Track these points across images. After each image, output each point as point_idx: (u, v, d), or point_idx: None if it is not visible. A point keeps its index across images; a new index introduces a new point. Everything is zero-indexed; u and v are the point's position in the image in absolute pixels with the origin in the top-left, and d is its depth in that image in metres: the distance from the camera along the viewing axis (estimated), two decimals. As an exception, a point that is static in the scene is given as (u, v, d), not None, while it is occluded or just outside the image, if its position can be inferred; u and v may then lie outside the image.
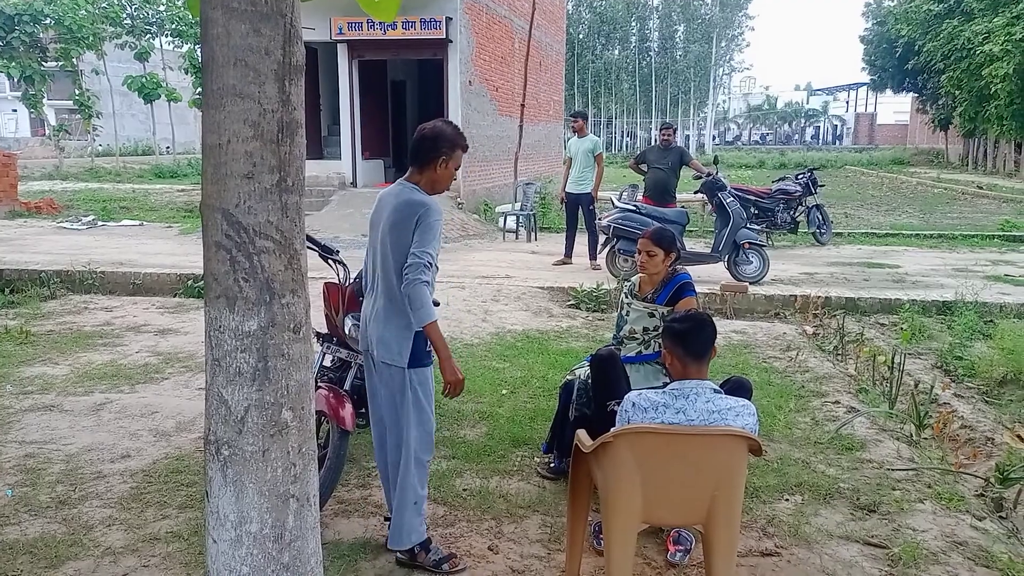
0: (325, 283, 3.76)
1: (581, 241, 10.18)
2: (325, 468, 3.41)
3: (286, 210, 2.08)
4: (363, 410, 3.94)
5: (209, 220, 2.05)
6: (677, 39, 55.18)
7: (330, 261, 3.81)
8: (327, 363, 3.91)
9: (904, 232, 13.48)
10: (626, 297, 4.00)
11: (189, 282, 8.38)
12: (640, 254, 3.85)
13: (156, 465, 4.21)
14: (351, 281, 3.74)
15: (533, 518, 3.67)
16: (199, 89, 32.43)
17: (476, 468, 4.16)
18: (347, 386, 3.72)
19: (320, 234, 12.81)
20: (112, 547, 3.35)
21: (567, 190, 10.12)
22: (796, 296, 7.88)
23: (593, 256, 9.96)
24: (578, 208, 10.08)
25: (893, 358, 5.31)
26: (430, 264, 2.95)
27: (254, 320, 2.06)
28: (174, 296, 8.39)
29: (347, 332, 3.66)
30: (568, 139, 10.37)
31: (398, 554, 3.22)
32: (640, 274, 3.96)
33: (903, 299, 7.78)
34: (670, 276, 3.85)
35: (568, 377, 4.12)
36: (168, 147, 34.44)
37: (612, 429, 2.63)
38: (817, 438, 4.66)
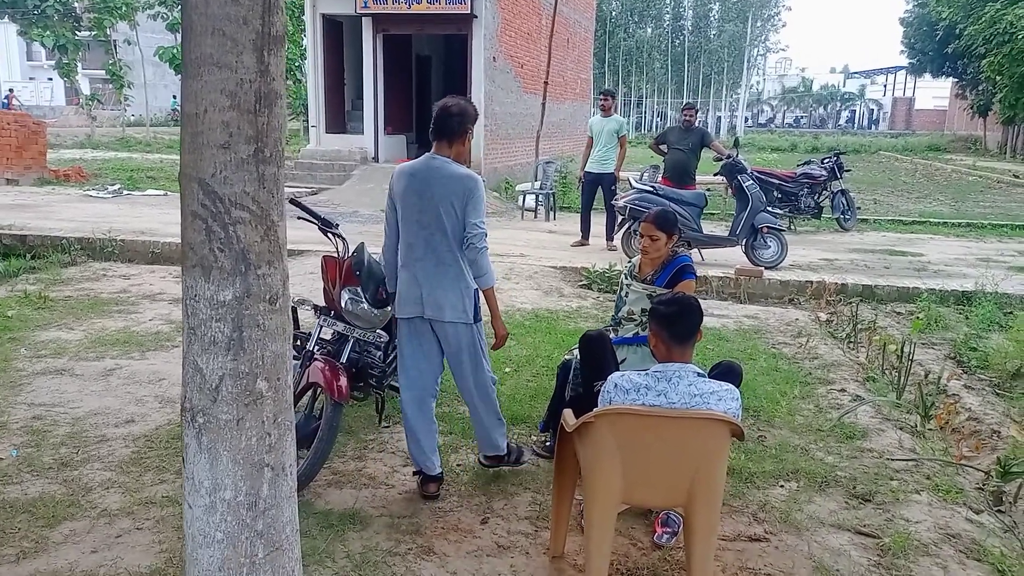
0: (323, 256, 3.78)
1: (598, 221, 10.12)
2: (317, 439, 3.45)
3: (263, 181, 2.08)
4: (360, 384, 3.98)
5: (186, 190, 2.06)
6: (711, 18, 54.22)
7: (329, 234, 3.82)
8: (325, 336, 3.94)
9: (932, 220, 13.20)
10: (626, 278, 3.98)
11: (206, 252, 8.48)
12: (643, 238, 3.81)
13: (159, 431, 4.29)
14: (349, 255, 3.75)
15: (524, 495, 3.69)
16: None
17: (472, 444, 4.17)
18: (344, 359, 3.75)
19: (340, 208, 12.88)
20: (108, 509, 3.43)
21: (588, 169, 10.04)
22: (811, 282, 7.78)
23: (610, 237, 9.89)
24: (597, 188, 10.00)
25: (903, 347, 5.22)
26: (486, 232, 3.38)
27: (229, 290, 2.07)
28: (191, 266, 8.49)
29: (343, 306, 3.68)
30: (591, 117, 10.26)
31: (484, 460, 3.77)
32: (640, 256, 3.93)
33: (921, 288, 7.64)
34: (670, 258, 3.82)
35: (566, 357, 4.12)
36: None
37: (594, 410, 2.63)
38: (819, 425, 4.61)
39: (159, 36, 33.87)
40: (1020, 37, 25.11)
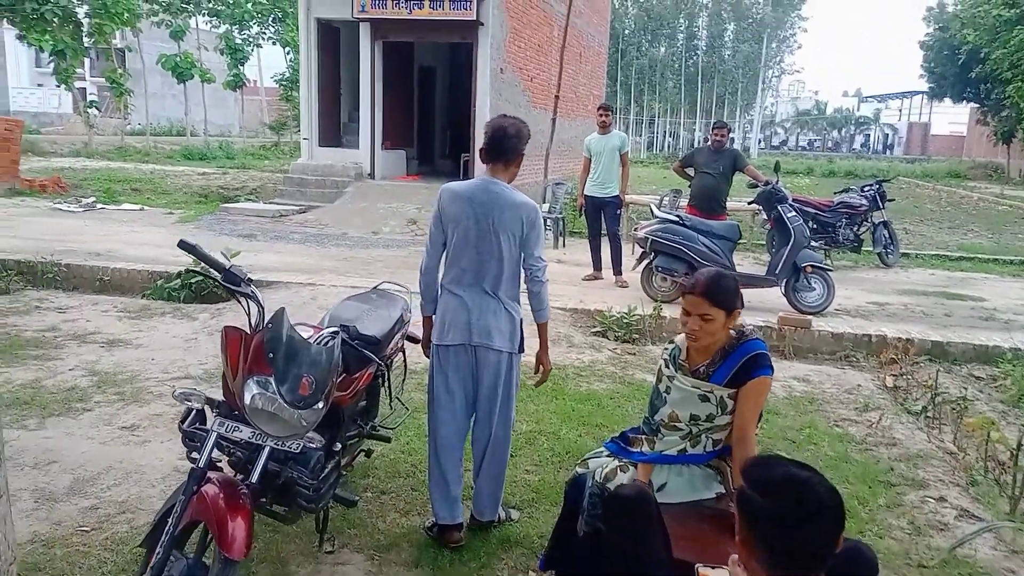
0: (224, 328, 2.57)
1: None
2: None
3: None
4: (278, 507, 2.78)
5: None
6: (726, 38, 53.21)
7: (238, 296, 2.61)
8: (235, 436, 2.71)
9: (980, 256, 11.94)
10: (667, 367, 2.74)
11: (159, 282, 7.28)
12: (688, 317, 2.59)
13: (19, 550, 3.09)
14: (264, 326, 2.53)
15: None
16: (234, 71, 31.84)
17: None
18: (254, 478, 2.54)
19: (328, 229, 11.72)
20: None
21: (588, 193, 8.82)
22: (869, 336, 6.55)
23: (618, 270, 8.70)
24: (601, 214, 8.80)
25: (1020, 445, 3.98)
26: (547, 265, 3.34)
27: None
28: (141, 297, 7.31)
29: (247, 403, 2.45)
30: (588, 136, 9.02)
31: (471, 523, 3.36)
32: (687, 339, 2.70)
33: (1003, 346, 6.39)
34: (735, 343, 2.59)
35: (579, 470, 2.89)
36: (204, 129, 33.75)
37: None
38: (921, 558, 3.39)
39: (164, 44, 33.01)
40: (1052, 62, 23.93)
